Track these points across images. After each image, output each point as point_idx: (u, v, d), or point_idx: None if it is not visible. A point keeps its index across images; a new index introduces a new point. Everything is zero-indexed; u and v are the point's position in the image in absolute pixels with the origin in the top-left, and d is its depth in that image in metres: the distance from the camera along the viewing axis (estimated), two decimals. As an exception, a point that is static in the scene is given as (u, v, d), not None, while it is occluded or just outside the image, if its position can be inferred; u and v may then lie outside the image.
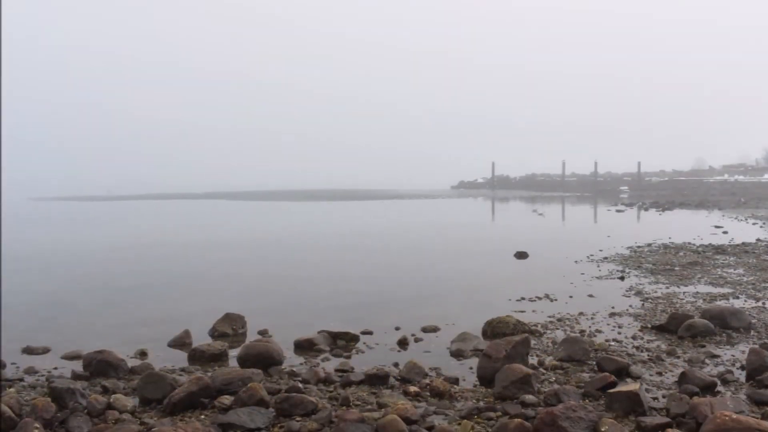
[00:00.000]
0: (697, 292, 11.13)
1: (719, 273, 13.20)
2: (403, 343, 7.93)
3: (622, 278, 12.76)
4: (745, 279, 12.40)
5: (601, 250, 17.25)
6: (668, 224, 28.29)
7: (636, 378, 6.29)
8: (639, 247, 18.10)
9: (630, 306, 10.05)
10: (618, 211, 40.01)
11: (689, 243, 18.83)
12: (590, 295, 10.99)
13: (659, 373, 6.53)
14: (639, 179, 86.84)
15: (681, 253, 16.43)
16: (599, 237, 21.47)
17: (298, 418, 5.19)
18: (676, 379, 6.15)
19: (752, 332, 8.18)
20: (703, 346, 7.54)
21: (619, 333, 8.33)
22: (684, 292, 11.16)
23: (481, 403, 5.54)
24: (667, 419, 4.97)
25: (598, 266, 14.46)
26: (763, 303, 10.09)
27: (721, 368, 6.65)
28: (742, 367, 6.58)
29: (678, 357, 7.13)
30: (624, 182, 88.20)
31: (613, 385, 5.67)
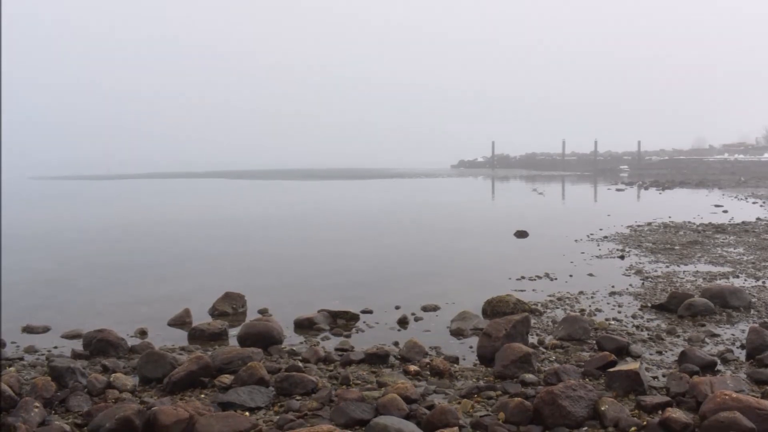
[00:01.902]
0: (697, 271, 11.12)
1: (719, 252, 13.18)
2: (403, 322, 7.92)
3: (622, 257, 12.75)
4: (745, 258, 12.39)
5: (601, 229, 17.23)
6: (668, 203, 28.27)
7: (636, 357, 6.29)
8: (639, 226, 18.08)
9: (630, 285, 10.03)
10: (618, 190, 39.98)
11: (689, 222, 18.80)
12: (590, 274, 10.98)
13: (659, 352, 6.52)
14: (639, 158, 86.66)
15: (681, 232, 16.41)
16: (599, 216, 21.45)
17: (298, 397, 5.18)
18: (676, 358, 6.14)
19: (752, 311, 8.17)
20: (703, 325, 7.54)
21: (619, 312, 8.32)
22: (684, 271, 11.15)
23: (481, 382, 5.53)
24: (667, 398, 4.96)
25: (598, 245, 14.45)
26: (763, 282, 10.08)
27: (721, 347, 6.64)
28: (742, 346, 6.58)
29: (678, 336, 7.12)
30: (624, 161, 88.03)
31: (613, 364, 5.66)
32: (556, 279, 10.61)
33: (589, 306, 8.66)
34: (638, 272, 11.11)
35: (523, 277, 10.71)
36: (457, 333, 7.41)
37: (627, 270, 11.36)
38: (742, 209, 24.20)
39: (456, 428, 4.33)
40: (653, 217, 20.17)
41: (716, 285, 9.08)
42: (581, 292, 9.52)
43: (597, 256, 12.93)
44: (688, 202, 28.57)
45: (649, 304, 8.60)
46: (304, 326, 7.72)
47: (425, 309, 8.55)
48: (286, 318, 7.85)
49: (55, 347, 6.95)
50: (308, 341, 7.17)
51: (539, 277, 10.71)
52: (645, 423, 4.54)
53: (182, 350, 6.77)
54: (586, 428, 4.55)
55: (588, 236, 15.90)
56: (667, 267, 11.62)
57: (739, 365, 6.06)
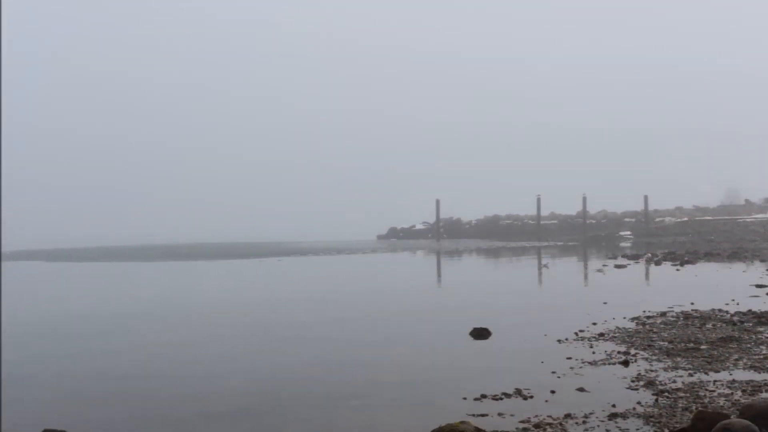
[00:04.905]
0: (734, 381, 11.32)
1: (764, 352, 13.44)
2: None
3: (625, 363, 12.90)
4: (799, 360, 12.66)
5: (594, 324, 17.44)
6: (689, 284, 28.83)
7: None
8: (648, 317, 18.36)
9: (638, 403, 10.16)
10: (618, 266, 40.66)
11: (720, 310, 19.17)
12: (580, 389, 11.08)
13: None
14: (647, 220, 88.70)
15: (709, 325, 16.72)
16: (592, 304, 21.72)
17: None
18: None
19: (811, 435, 8.34)
20: (744, 458, 7.66)
21: (625, 444, 8.42)
22: (715, 381, 11.33)
23: None
24: None
25: (591, 346, 14.62)
26: (825, 393, 10.31)
27: (770, 489, 6.77)
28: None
29: (709, 475, 7.23)
30: (625, 225, 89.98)
31: None
32: (531, 397, 10.69)
33: (581, 436, 8.73)
34: (649, 384, 11.26)
35: (484, 396, 10.75)
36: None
37: (633, 381, 11.51)
38: (793, 290, 24.83)
39: None
40: (669, 305, 20.54)
41: (761, 399, 9.27)
42: (568, 416, 9.60)
43: (590, 363, 13.07)
44: (718, 282, 29.23)
45: (667, 431, 8.71)
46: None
47: (341, 447, 8.49)
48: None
49: None
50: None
51: (507, 395, 10.77)
52: None
53: None
54: None
55: (576, 334, 16.09)
56: (691, 375, 11.81)
57: None
